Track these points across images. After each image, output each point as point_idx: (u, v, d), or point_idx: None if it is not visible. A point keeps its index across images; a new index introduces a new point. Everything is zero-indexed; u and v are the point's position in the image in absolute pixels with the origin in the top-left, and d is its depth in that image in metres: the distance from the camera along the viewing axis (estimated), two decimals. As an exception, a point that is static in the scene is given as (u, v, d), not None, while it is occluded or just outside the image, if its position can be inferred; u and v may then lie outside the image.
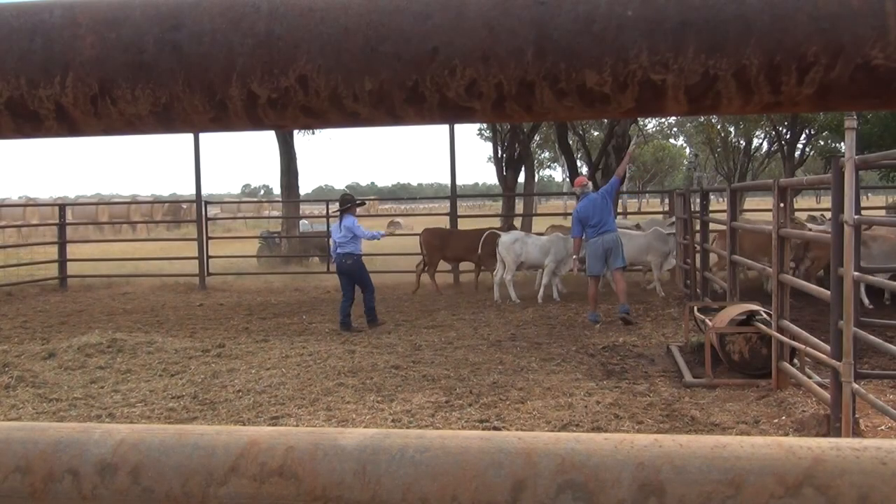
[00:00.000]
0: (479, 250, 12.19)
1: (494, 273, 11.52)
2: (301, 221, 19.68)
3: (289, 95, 0.58)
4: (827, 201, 6.43)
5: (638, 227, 13.01)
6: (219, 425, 0.84)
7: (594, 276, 9.58)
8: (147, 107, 0.60)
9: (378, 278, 10.61)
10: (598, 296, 9.71)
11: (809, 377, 5.67)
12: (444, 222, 15.15)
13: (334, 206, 11.62)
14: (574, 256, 9.94)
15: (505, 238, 11.45)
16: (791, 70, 0.52)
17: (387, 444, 0.69)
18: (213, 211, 22.72)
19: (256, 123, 0.61)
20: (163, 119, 0.61)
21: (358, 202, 9.93)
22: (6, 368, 7.15)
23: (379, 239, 10.11)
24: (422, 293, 12.43)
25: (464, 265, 13.65)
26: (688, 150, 38.32)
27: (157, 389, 6.50)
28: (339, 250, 9.42)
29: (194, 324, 10.15)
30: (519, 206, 22.29)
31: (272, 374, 6.92)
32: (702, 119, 26.55)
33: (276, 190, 27.90)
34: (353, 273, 9.38)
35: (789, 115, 21.52)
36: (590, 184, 9.98)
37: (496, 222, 20.48)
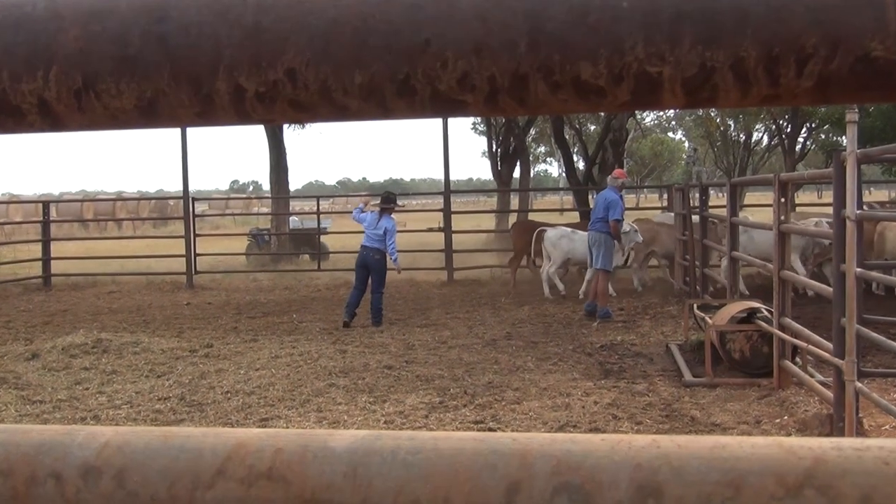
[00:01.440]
0: (532, 248, 12.23)
1: (541, 269, 11.60)
2: (291, 218, 19.60)
3: (277, 89, 0.57)
4: (828, 196, 6.44)
5: None
6: (206, 427, 0.83)
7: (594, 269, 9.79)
8: (132, 101, 0.59)
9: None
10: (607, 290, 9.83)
11: (812, 376, 5.59)
12: (437, 218, 15.16)
13: (325, 203, 11.59)
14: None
15: (550, 234, 11.53)
16: (790, 62, 0.52)
17: (378, 445, 0.68)
18: (200, 207, 22.60)
19: (244, 118, 0.60)
20: (148, 114, 0.60)
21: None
22: (-9, 369, 7.09)
23: (394, 262, 9.73)
24: (416, 293, 12.43)
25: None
26: (687, 145, 38.47)
27: (144, 391, 6.45)
28: (368, 244, 9.47)
29: (181, 323, 10.09)
30: (514, 202, 22.30)
31: (261, 375, 6.88)
32: (701, 113, 26.68)
33: (266, 186, 27.82)
34: (377, 269, 9.41)
35: (789, 109, 21.60)
36: (621, 181, 10.01)
37: (491, 218, 20.49)
